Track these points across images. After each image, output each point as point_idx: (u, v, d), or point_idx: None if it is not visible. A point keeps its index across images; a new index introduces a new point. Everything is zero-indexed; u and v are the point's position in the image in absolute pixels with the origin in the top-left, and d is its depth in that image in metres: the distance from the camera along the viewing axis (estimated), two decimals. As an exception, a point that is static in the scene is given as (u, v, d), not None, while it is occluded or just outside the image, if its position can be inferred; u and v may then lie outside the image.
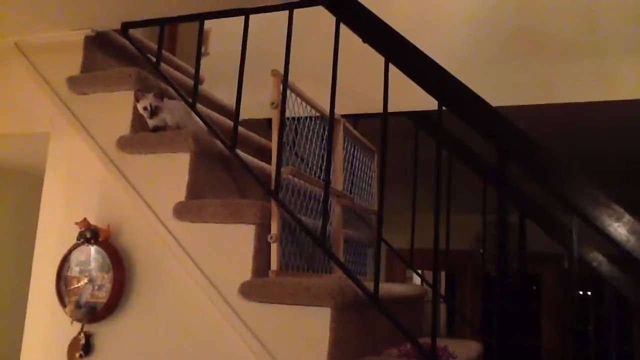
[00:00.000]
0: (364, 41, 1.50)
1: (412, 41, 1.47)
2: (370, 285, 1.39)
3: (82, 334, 1.60)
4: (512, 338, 1.77)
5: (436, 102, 1.41)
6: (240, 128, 1.88)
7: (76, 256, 1.64)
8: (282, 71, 1.55)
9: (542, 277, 5.03)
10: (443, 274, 5.38)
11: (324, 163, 1.54)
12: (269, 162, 1.72)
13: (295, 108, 1.71)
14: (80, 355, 1.60)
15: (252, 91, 1.90)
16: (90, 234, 1.61)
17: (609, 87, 2.35)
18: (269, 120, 1.57)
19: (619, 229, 1.22)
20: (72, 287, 1.63)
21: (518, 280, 2.10)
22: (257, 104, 2.04)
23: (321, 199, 1.63)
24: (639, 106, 2.35)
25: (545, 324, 4.97)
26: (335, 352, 1.35)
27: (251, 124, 2.32)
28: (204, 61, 1.93)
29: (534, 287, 5.08)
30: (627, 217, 1.23)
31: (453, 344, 1.98)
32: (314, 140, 1.80)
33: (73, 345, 1.61)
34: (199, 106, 1.80)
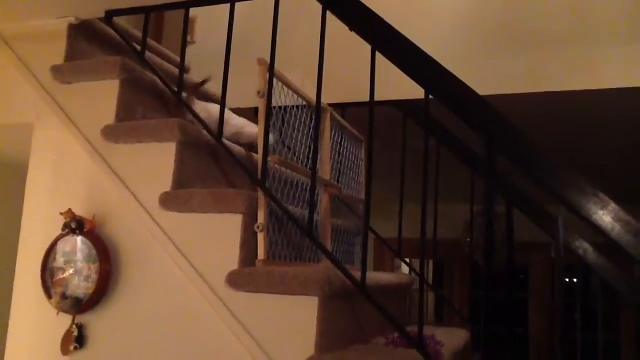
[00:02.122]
0: (351, 29, 1.49)
1: (399, 30, 1.47)
2: (357, 274, 1.39)
3: (74, 326, 1.59)
4: (499, 326, 1.78)
5: (423, 91, 1.41)
6: (226, 117, 1.86)
7: (61, 247, 1.62)
8: (268, 59, 1.54)
9: (530, 267, 5.06)
10: (431, 262, 5.41)
11: (311, 152, 1.54)
12: (255, 151, 1.71)
13: (282, 97, 1.69)
14: (75, 347, 1.58)
15: (238, 80, 1.88)
16: (75, 225, 1.59)
17: (595, 75, 2.35)
18: (256, 109, 1.56)
19: (604, 216, 1.22)
20: (57, 278, 1.61)
21: (505, 268, 2.11)
22: (244, 92, 2.03)
23: (308, 188, 1.63)
24: (625, 94, 2.36)
25: (533, 312, 5.01)
26: (322, 340, 1.35)
27: (238, 113, 2.30)
28: (190, 50, 1.91)
29: (522, 276, 5.12)
30: (612, 205, 1.23)
31: (441, 331, 1.98)
32: (301, 129, 1.79)
33: (66, 338, 1.60)
34: (184, 95, 1.78)
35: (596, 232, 1.25)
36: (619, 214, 1.22)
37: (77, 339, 1.58)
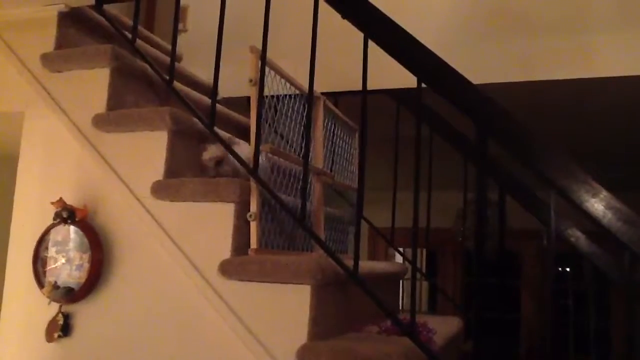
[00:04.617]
0: (344, 17, 1.48)
1: (392, 18, 1.46)
2: (350, 263, 1.39)
3: (60, 315, 1.59)
4: (492, 313, 1.79)
5: (416, 80, 1.40)
6: (219, 106, 1.85)
7: (53, 236, 1.62)
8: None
9: (523, 254, 5.08)
10: (424, 251, 5.43)
11: (304, 140, 1.53)
12: (248, 140, 1.70)
13: (275, 85, 1.68)
14: (59, 336, 1.58)
15: (231, 69, 1.87)
16: (66, 214, 1.58)
17: (589, 64, 2.35)
18: (249, 99, 1.55)
19: (595, 204, 1.23)
20: (49, 268, 1.61)
21: (498, 256, 2.11)
22: (237, 82, 2.01)
23: (301, 177, 1.62)
24: (618, 83, 2.36)
25: (525, 299, 5.04)
26: (315, 329, 1.35)
27: (231, 102, 2.29)
28: (182, 38, 1.90)
29: (515, 264, 5.14)
30: (604, 193, 1.24)
31: (433, 320, 1.99)
32: (294, 118, 1.78)
33: (51, 326, 1.60)
34: (176, 84, 1.77)
35: (588, 219, 1.25)
36: (611, 201, 1.22)
37: (62, 327, 1.58)
